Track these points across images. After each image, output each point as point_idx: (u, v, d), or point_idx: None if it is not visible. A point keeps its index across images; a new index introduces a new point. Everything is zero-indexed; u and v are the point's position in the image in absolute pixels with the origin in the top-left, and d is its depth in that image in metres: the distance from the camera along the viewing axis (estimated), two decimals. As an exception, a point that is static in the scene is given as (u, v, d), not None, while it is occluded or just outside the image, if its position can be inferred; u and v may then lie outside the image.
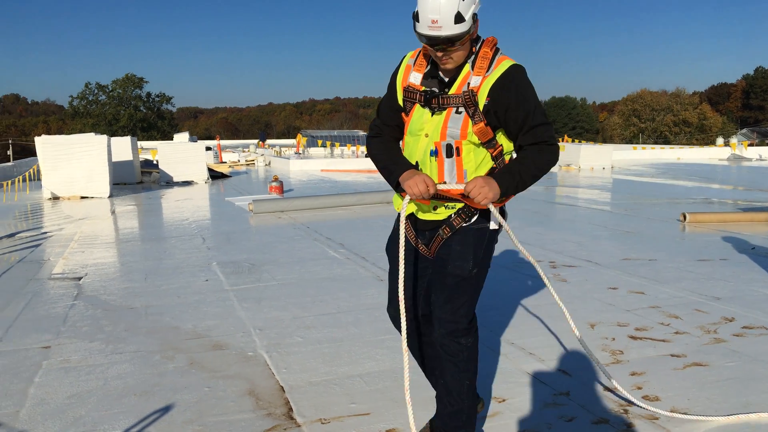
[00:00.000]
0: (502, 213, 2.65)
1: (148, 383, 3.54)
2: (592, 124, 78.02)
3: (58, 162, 13.75)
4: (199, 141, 25.33)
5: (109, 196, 13.97)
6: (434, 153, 2.53)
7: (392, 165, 2.61)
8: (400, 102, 2.61)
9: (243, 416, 3.11)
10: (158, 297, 5.38)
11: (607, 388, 3.38)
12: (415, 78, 2.56)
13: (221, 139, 38.40)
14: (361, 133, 47.73)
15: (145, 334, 4.40)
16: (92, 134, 14.77)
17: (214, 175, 19.03)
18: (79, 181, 13.82)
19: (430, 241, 2.69)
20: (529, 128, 2.47)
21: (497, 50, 2.52)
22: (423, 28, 2.36)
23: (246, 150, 32.21)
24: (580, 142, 29.30)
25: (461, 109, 2.47)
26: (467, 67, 2.48)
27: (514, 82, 2.45)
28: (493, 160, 2.57)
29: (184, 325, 4.57)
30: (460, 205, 2.60)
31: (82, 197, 13.84)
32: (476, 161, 2.54)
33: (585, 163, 22.02)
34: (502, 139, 2.56)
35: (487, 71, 2.46)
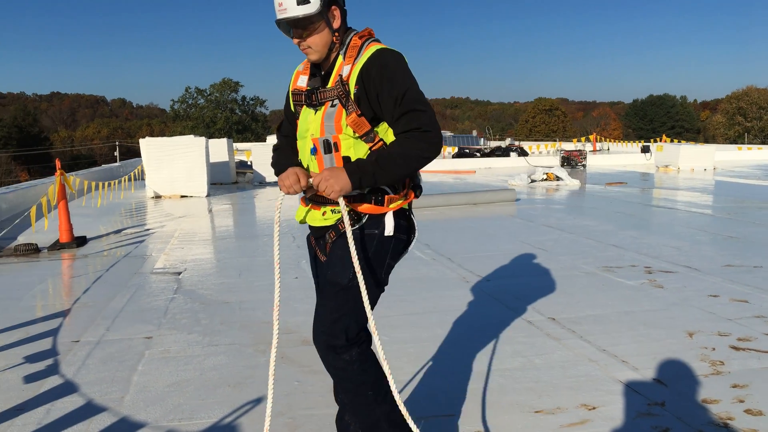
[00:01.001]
0: (403, 214, 2.46)
1: (242, 375, 3.68)
2: (692, 123, 74.17)
3: (161, 162, 14.53)
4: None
5: (206, 196, 14.62)
6: (313, 151, 2.43)
7: (280, 171, 2.51)
8: (292, 108, 2.56)
9: (330, 411, 3.18)
10: (251, 293, 5.59)
11: (705, 400, 3.21)
12: (302, 81, 2.51)
13: (311, 140, 39.12)
14: (449, 133, 47.55)
15: (239, 328, 4.59)
16: (192, 136, 15.51)
17: (304, 176, 19.48)
18: (179, 181, 14.55)
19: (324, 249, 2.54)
20: (400, 114, 2.28)
21: (370, 39, 2.43)
22: (276, 15, 2.37)
23: (335, 151, 32.81)
24: (679, 141, 27.92)
25: (336, 101, 2.36)
26: (340, 58, 2.41)
27: (381, 66, 2.30)
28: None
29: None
30: (347, 208, 2.42)
31: (182, 196, 14.56)
32: (356, 156, 2.37)
33: (685, 164, 20.94)
34: (383, 132, 2.38)
35: (356, 59, 2.36)
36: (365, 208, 2.39)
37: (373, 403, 2.46)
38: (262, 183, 18.00)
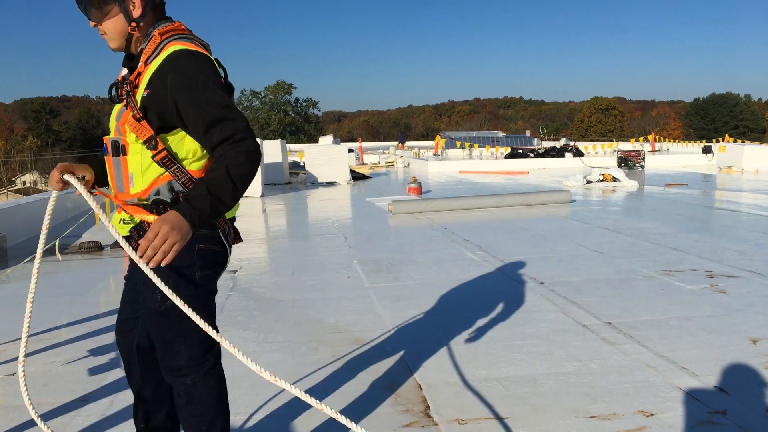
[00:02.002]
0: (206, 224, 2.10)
1: (296, 372, 3.74)
2: (757, 122, 71.27)
3: (217, 163, 14.85)
4: (342, 143, 26.28)
5: (261, 196, 14.89)
6: (105, 151, 2.18)
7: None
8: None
9: (382, 410, 3.20)
10: (304, 291, 5.67)
11: (772, 411, 3.09)
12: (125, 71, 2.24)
13: (363, 141, 39.60)
14: (501, 134, 47.03)
15: (292, 325, 4.66)
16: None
17: (356, 177, 19.66)
18: (234, 182, 14.84)
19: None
20: (207, 126, 2.01)
21: (174, 36, 2.14)
22: None
23: (386, 152, 32.92)
24: (743, 142, 26.87)
25: (126, 99, 2.11)
26: (144, 55, 2.14)
27: (178, 71, 2.02)
28: (161, 166, 2.09)
29: (328, 319, 4.78)
30: (137, 220, 2.17)
31: (237, 196, 14.84)
32: (142, 165, 2.10)
33: (749, 164, 20.13)
34: (176, 142, 2.10)
35: (150, 58, 2.11)
36: (151, 219, 2.12)
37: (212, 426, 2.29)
38: (314, 183, 18.21)
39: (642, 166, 21.47)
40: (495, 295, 5.37)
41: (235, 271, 6.60)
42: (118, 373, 3.80)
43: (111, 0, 2.11)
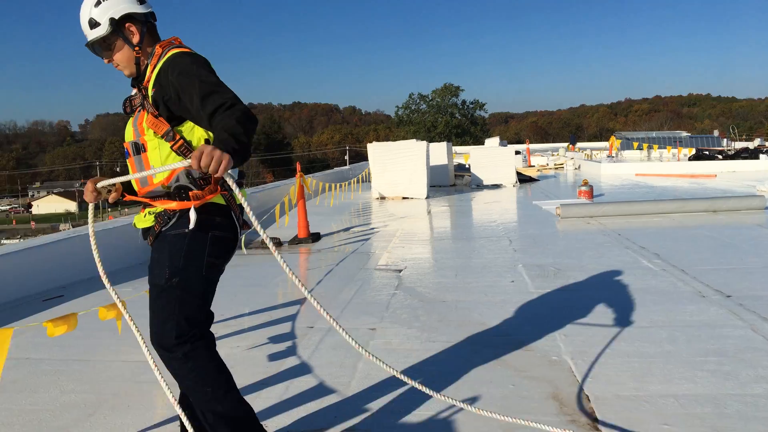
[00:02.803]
0: (221, 211, 2.54)
1: (458, 373, 3.76)
2: None
3: (385, 166, 15.37)
4: (508, 145, 25.88)
5: (425, 197, 15.14)
6: (126, 155, 2.56)
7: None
8: None
9: (546, 418, 3.12)
10: (467, 293, 5.68)
11: None
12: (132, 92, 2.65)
13: (530, 142, 38.71)
14: (684, 134, 43.54)
15: (455, 326, 4.69)
16: (414, 140, 16.17)
17: (522, 179, 19.26)
18: (401, 183, 15.26)
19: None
20: (202, 100, 2.32)
21: (172, 46, 2.54)
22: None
23: (555, 153, 31.86)
24: None
25: (141, 106, 2.50)
26: (149, 68, 2.53)
27: (175, 65, 2.41)
28: (179, 154, 2.45)
29: (491, 322, 4.75)
30: (160, 209, 2.51)
31: (404, 198, 15.24)
32: (161, 156, 2.47)
33: None
34: (188, 131, 2.46)
35: (155, 65, 2.50)
36: (174, 205, 2.47)
37: (213, 401, 2.50)
38: (479, 186, 18.14)
39: None
40: (673, 306, 4.99)
41: (400, 271, 6.78)
42: (293, 361, 4.09)
43: (113, 35, 2.54)
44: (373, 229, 10.34)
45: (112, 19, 2.51)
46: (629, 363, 3.82)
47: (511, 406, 3.28)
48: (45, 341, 4.22)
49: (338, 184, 16.21)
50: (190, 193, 2.46)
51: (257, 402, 3.44)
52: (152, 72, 2.51)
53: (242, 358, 4.19)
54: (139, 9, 2.58)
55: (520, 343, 4.25)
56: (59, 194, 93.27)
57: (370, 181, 16.16)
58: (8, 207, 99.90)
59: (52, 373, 3.98)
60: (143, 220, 2.59)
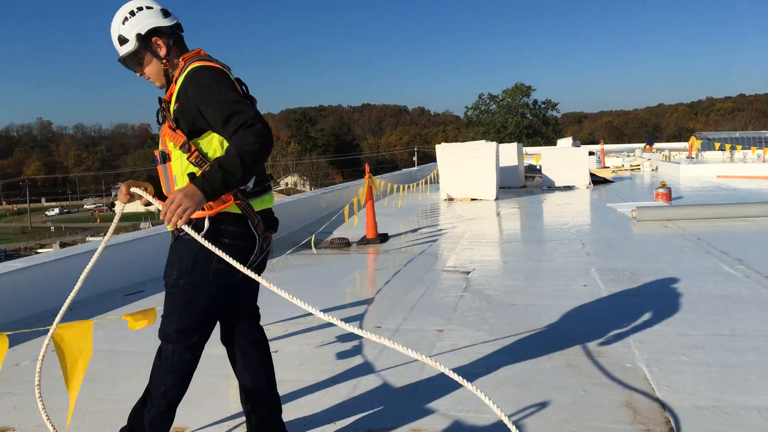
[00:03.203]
0: (237, 221, 2.58)
1: (526, 377, 3.71)
2: None
3: (454, 167, 15.29)
4: (582, 146, 25.26)
5: (495, 199, 14.96)
6: (156, 161, 2.69)
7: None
8: None
9: (619, 427, 3.03)
10: (537, 297, 5.58)
11: None
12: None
13: (605, 143, 37.61)
14: (771, 133, 41.21)
15: (524, 330, 4.62)
16: (483, 141, 16.01)
17: (596, 180, 18.75)
18: (470, 185, 15.14)
19: None
20: (225, 120, 2.41)
21: (194, 59, 2.61)
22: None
23: (631, 154, 30.83)
24: None
25: (164, 115, 2.63)
26: (173, 80, 2.64)
27: (195, 81, 2.50)
28: (195, 165, 2.53)
29: (562, 327, 4.65)
30: None
31: (472, 199, 15.12)
32: (182, 167, 2.57)
33: None
34: (206, 144, 2.55)
35: (177, 79, 2.60)
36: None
37: (155, 400, 2.66)
38: (551, 187, 17.78)
39: None
40: (757, 315, 4.74)
41: (468, 273, 6.74)
42: (361, 359, 4.13)
43: (142, 50, 2.67)
44: (441, 230, 10.31)
45: (138, 35, 2.64)
46: (708, 372, 3.66)
47: (581, 413, 3.20)
48: (127, 334, 4.42)
49: (406, 185, 16.25)
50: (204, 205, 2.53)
51: (325, 399, 3.49)
52: (174, 85, 2.61)
53: (311, 355, 4.27)
54: (164, 22, 2.68)
55: (592, 349, 4.14)
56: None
57: (438, 183, 16.11)
58: (93, 206, 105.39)
59: (133, 365, 4.18)
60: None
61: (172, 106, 2.59)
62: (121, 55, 2.71)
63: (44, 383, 3.87)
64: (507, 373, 3.79)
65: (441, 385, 3.62)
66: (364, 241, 9.18)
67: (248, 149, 2.34)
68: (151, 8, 2.68)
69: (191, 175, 2.52)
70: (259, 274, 2.56)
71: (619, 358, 3.97)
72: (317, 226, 10.18)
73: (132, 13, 2.66)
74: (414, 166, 34.12)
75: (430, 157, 53.38)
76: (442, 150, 15.60)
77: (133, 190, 2.70)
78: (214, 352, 3.07)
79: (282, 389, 3.62)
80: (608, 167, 25.80)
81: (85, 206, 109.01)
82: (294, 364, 4.08)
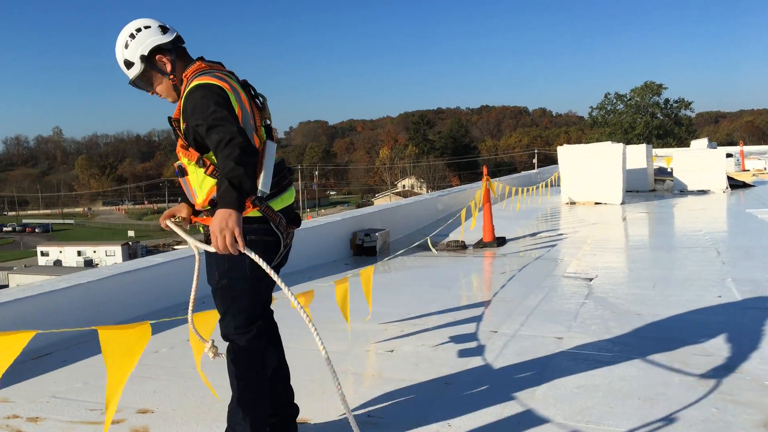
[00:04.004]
0: (259, 222, 2.67)
1: (653, 390, 3.52)
2: None
3: (577, 169, 14.77)
4: (718, 147, 23.55)
5: (621, 203, 14.29)
6: (177, 174, 2.77)
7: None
8: None
9: (757, 450, 2.81)
10: (666, 307, 5.27)
11: None
12: None
13: (745, 144, 34.80)
14: None
15: (651, 342, 4.38)
16: (609, 143, 15.34)
17: (734, 185, 17.38)
18: (594, 188, 14.56)
19: None
20: (207, 133, 2.49)
21: (195, 74, 2.67)
22: None
23: (775, 156, 28.28)
24: None
25: (176, 133, 2.71)
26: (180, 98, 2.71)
27: (190, 101, 2.57)
28: (212, 177, 2.62)
29: (693, 340, 4.36)
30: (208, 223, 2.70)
31: (596, 203, 14.53)
32: (198, 180, 2.68)
33: None
34: (213, 158, 2.60)
35: (180, 97, 2.69)
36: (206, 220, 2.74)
37: (237, 395, 2.76)
38: (683, 191, 16.71)
39: None
40: None
41: (590, 279, 6.49)
42: (477, 362, 4.10)
43: (148, 69, 2.75)
44: (561, 234, 10.00)
45: (142, 56, 2.72)
46: None
47: (713, 431, 2.99)
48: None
49: (525, 188, 15.91)
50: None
51: (442, 400, 3.50)
52: (179, 105, 2.70)
53: (428, 356, 4.29)
54: (164, 39, 2.74)
55: (727, 365, 3.85)
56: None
57: (559, 186, 15.63)
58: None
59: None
60: (201, 232, 2.90)
61: (182, 125, 2.69)
62: (130, 78, 2.79)
63: (180, 371, 4.18)
64: (631, 386, 3.62)
65: (560, 394, 3.52)
66: (480, 245, 9.10)
67: (231, 161, 2.38)
68: (149, 27, 2.75)
69: (212, 203, 2.65)
70: (282, 267, 2.87)
71: (757, 375, 3.67)
72: (433, 229, 10.21)
73: (132, 36, 2.74)
74: (533, 168, 33.28)
75: (550, 160, 51.87)
76: (565, 152, 15.13)
77: (166, 224, 2.85)
78: (329, 347, 3.15)
79: (395, 389, 3.68)
80: (748, 170, 23.84)
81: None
82: (409, 365, 4.13)
